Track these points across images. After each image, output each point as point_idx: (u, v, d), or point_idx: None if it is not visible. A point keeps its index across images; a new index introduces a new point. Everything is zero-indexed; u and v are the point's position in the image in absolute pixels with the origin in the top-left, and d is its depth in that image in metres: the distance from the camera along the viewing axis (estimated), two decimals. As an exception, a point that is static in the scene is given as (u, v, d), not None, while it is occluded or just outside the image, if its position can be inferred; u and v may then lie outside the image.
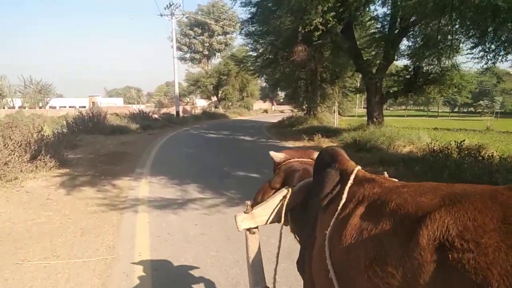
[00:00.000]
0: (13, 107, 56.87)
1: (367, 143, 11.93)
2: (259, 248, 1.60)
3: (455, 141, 7.92)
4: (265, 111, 63.87)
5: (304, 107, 27.75)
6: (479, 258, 0.65)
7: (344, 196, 1.13)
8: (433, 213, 0.79)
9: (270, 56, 15.41)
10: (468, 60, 13.91)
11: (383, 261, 0.85)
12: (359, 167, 1.23)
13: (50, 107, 65.48)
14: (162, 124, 23.31)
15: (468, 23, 7.71)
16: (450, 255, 0.70)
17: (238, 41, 43.83)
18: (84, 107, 51.18)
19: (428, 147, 9.28)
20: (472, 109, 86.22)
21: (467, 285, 0.65)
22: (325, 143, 13.60)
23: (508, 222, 0.67)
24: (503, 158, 6.75)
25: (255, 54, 23.70)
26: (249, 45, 23.48)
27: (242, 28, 18.32)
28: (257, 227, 1.61)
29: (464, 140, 7.96)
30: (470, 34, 9.72)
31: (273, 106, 77.72)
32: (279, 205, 1.58)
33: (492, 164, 6.49)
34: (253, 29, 20.03)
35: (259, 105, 68.87)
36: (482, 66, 10.40)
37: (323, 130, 18.93)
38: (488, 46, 9.59)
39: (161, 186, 6.55)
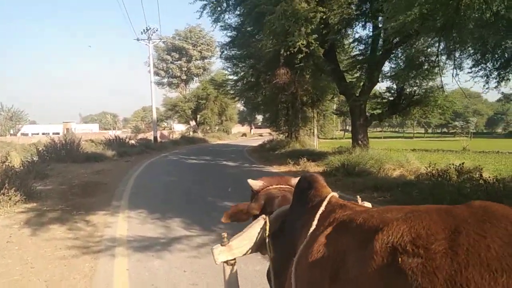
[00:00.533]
0: (-18, 135, 54.61)
1: (355, 166, 11.56)
2: (237, 281, 1.58)
3: (452, 164, 7.60)
4: (244, 134, 63.73)
5: (284, 130, 27.53)
6: (426, 262, 0.68)
7: (314, 222, 1.16)
8: (391, 222, 0.83)
9: (251, 79, 15.11)
10: (468, 80, 13.88)
11: (345, 271, 0.88)
12: (332, 194, 1.29)
13: (22, 134, 63.33)
14: (140, 150, 22.46)
15: (469, 40, 7.51)
16: (401, 259, 0.73)
17: (216, 66, 43.92)
18: (58, 133, 49.65)
19: (427, 170, 8.96)
20: (445, 129, 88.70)
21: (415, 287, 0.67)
22: (312, 167, 13.19)
23: (458, 232, 0.71)
24: (507, 181, 6.42)
25: (235, 77, 23.54)
26: (229, 69, 23.27)
27: (222, 52, 18.03)
28: (234, 259, 1.57)
29: (463, 163, 7.65)
30: (471, 51, 9.60)
31: (251, 130, 77.72)
32: (256, 235, 1.55)
33: (495, 187, 6.15)
34: (233, 53, 19.85)
35: (237, 128, 68.67)
36: (484, 86, 10.24)
37: (307, 154, 18.57)
38: (492, 64, 9.50)
39: (141, 222, 5.86)
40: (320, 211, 1.19)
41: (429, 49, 11.68)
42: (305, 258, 1.08)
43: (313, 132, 24.21)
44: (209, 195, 8.05)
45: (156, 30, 28.98)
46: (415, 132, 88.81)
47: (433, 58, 12.41)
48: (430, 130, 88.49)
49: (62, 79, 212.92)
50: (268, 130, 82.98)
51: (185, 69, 41.03)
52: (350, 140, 15.30)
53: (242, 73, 15.49)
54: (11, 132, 69.39)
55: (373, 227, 0.88)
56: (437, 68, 12.63)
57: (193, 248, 4.50)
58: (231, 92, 24.70)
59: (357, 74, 15.09)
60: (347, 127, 61.25)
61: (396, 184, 8.75)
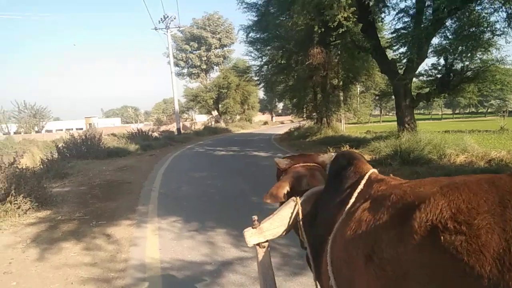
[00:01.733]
0: (8, 133, 55.21)
1: (409, 153, 10.08)
2: (270, 263, 1.56)
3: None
4: (265, 123, 62.44)
5: (314, 116, 26.00)
6: (471, 239, 0.64)
7: (352, 199, 1.14)
8: (428, 198, 0.79)
9: (282, 62, 13.62)
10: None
11: (380, 249, 0.85)
12: (373, 170, 1.26)
13: (47, 131, 63.89)
14: (163, 143, 21.44)
15: None
16: (442, 237, 0.68)
17: (236, 54, 42.57)
18: (81, 129, 49.61)
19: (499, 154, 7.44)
20: (473, 109, 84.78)
21: (460, 267, 0.64)
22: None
23: (503, 205, 0.65)
24: None
25: (259, 63, 22.16)
26: (252, 54, 21.91)
27: (248, 33, 16.59)
28: (267, 241, 1.55)
29: None
30: None
31: (272, 118, 76.31)
32: (288, 217, 1.52)
33: None
34: (258, 36, 18.46)
35: (258, 117, 67.38)
36: None
37: (344, 140, 17.11)
38: None
39: (176, 236, 4.60)
40: (359, 189, 1.16)
41: (489, 18, 9.98)
42: (340, 236, 1.05)
43: (341, 117, 22.61)
44: (252, 193, 6.74)
45: (174, 18, 27.76)
46: (442, 113, 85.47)
47: (492, 27, 10.70)
48: (457, 111, 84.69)
49: (82, 75, 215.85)
50: (289, 118, 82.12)
51: (205, 58, 39.79)
52: (379, 124, 13.73)
53: (269, 56, 13.95)
54: (36, 129, 70.34)
55: (409, 204, 0.84)
56: (500, 37, 10.91)
57: (253, 280, 3.20)
58: (255, 78, 23.35)
59: (402, 49, 13.41)
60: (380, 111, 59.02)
61: (473, 173, 7.23)
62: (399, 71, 12.94)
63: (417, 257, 0.73)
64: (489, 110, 77.49)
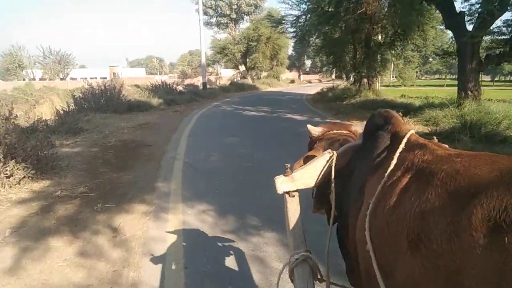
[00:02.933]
0: (33, 79, 55.00)
1: (480, 127, 8.39)
2: (299, 212, 1.47)
3: None
4: (292, 81, 60.13)
5: (353, 76, 23.89)
6: None
7: (393, 162, 1.04)
8: (490, 190, 0.70)
9: (329, 9, 11.60)
10: None
11: (428, 239, 0.77)
12: (412, 131, 1.17)
13: (71, 78, 63.27)
14: (188, 98, 20.03)
15: None
16: (506, 238, 0.62)
17: (269, 3, 39.55)
18: (106, 78, 48.75)
19: None
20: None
21: None
22: (412, 125, 10.03)
23: None
24: None
25: (296, 12, 19.96)
26: (289, 1, 19.71)
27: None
28: (297, 190, 1.50)
29: None
30: None
31: (300, 76, 73.69)
32: (321, 168, 1.46)
33: None
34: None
35: (285, 75, 64.94)
36: None
37: (389, 106, 15.31)
38: None
39: (208, 239, 3.27)
40: (399, 150, 1.06)
41: None
42: (381, 209, 0.96)
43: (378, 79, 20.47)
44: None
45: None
46: (481, 79, 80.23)
47: None
48: (496, 78, 79.22)
49: (108, 22, 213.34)
50: (316, 77, 79.12)
51: (235, 6, 37.21)
52: (414, 88, 11.75)
53: (314, 3, 11.88)
54: (61, 76, 69.99)
55: (464, 190, 0.75)
56: None
57: None
58: (291, 30, 21.21)
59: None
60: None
61: None
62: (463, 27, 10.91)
63: (475, 257, 0.66)
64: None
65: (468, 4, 11.03)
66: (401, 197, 0.91)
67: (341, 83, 30.50)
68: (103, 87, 13.67)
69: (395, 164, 1.03)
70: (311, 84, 58.81)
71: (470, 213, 0.70)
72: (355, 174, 1.31)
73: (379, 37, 18.62)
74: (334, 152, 1.45)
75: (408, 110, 13.53)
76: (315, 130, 1.79)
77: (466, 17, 11.07)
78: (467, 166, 0.83)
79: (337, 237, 1.47)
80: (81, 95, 13.33)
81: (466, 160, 0.87)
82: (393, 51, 18.26)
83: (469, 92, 10.89)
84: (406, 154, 1.04)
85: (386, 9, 11.04)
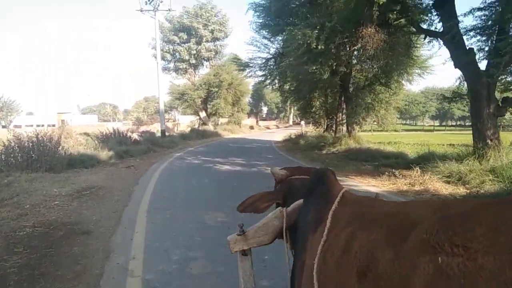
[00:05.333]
0: (-31, 127, 49.47)
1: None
2: (252, 270, 1.55)
3: None
4: (251, 127, 58.71)
5: (323, 123, 22.34)
6: (467, 262, 0.65)
7: (329, 220, 1.13)
8: (425, 221, 0.79)
9: (319, 46, 9.70)
10: None
11: (375, 267, 0.84)
12: (345, 189, 1.25)
13: (15, 126, 57.95)
14: (145, 148, 17.25)
15: None
16: (440, 258, 0.70)
17: (230, 49, 38.30)
18: (54, 125, 44.57)
19: None
20: (461, 122, 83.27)
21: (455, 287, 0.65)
22: (435, 183, 7.98)
23: (497, 230, 0.67)
24: None
25: (265, 55, 18.41)
26: (258, 43, 18.17)
27: (260, 12, 12.71)
28: (249, 249, 1.56)
29: None
30: None
31: (257, 122, 73.03)
32: (272, 226, 1.52)
33: None
34: (267, 21, 14.73)
35: (244, 121, 63.71)
36: None
37: (380, 156, 13.49)
38: None
39: None
40: (333, 208, 1.16)
41: None
42: (329, 257, 1.03)
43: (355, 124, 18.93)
44: None
45: (161, 1, 23.50)
46: (426, 125, 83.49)
47: None
48: (443, 123, 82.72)
49: (58, 67, 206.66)
50: (274, 123, 78.76)
51: (194, 52, 35.46)
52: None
53: (299, 40, 9.95)
54: (3, 123, 64.21)
55: (403, 224, 0.84)
56: None
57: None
58: (260, 73, 19.52)
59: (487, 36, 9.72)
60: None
61: None
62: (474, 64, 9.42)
63: (413, 276, 0.72)
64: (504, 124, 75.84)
65: (476, 39, 9.59)
66: (349, 243, 0.96)
67: (310, 130, 29.08)
68: (34, 138, 10.68)
69: (332, 221, 1.11)
70: (271, 130, 57.65)
71: (410, 240, 0.77)
72: (298, 231, 1.38)
73: (361, 79, 17.27)
74: (284, 210, 1.51)
75: (407, 161, 11.71)
76: (279, 173, 1.82)
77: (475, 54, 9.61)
78: (403, 208, 0.95)
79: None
80: (3, 149, 10.24)
81: (402, 205, 1.02)
82: (373, 96, 16.84)
83: (489, 141, 9.19)
84: (343, 210, 1.13)
85: (381, 44, 9.37)
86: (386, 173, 9.32)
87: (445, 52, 10.35)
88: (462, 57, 9.41)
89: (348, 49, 10.18)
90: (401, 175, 8.93)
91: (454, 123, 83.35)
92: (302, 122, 57.43)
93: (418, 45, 11.38)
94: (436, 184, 8.02)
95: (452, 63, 9.75)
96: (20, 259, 3.91)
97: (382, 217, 0.94)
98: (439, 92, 71.83)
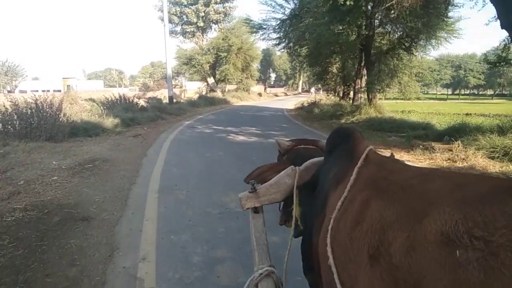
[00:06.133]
0: (-27, 91, 48.82)
1: None
2: (264, 228, 1.51)
3: None
4: (259, 94, 57.45)
5: (340, 90, 21.19)
6: (488, 257, 0.61)
7: (353, 177, 1.08)
8: (442, 206, 0.74)
9: (346, 2, 8.50)
10: None
11: (387, 252, 0.80)
12: (371, 147, 1.20)
13: (20, 91, 57.13)
14: (152, 115, 16.37)
15: None
16: (458, 252, 0.65)
17: (239, 12, 36.53)
18: (59, 91, 43.67)
19: None
20: (475, 91, 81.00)
21: (476, 284, 0.61)
22: (489, 164, 7.04)
23: None
24: None
25: (280, 16, 17.09)
26: (272, 2, 16.82)
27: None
28: (261, 206, 1.56)
29: None
30: None
31: (265, 89, 71.73)
32: (284, 184, 1.51)
33: None
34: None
35: (253, 88, 62.29)
36: None
37: (405, 126, 12.53)
38: None
39: None
40: (358, 165, 1.10)
41: None
42: (342, 224, 0.99)
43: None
44: None
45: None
46: (438, 93, 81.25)
47: None
48: (457, 92, 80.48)
49: (64, 31, 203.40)
50: (282, 90, 77.26)
51: (203, 14, 33.79)
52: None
53: None
54: (8, 88, 63.29)
55: (420, 205, 0.79)
56: None
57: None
58: (275, 36, 18.23)
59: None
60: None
61: None
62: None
63: (430, 269, 0.69)
64: (497, 92, 73.81)
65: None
66: (362, 213, 0.93)
67: (323, 98, 27.90)
68: (34, 105, 9.82)
69: (355, 179, 1.07)
70: (280, 98, 56.31)
71: (425, 228, 0.72)
72: (318, 189, 1.34)
73: (380, 43, 15.98)
74: (297, 168, 1.50)
75: (437, 133, 10.75)
76: (284, 144, 1.80)
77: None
78: (422, 181, 0.87)
79: (301, 250, 1.41)
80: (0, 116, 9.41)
81: (422, 177, 0.91)
82: (396, 61, 15.58)
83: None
84: (365, 170, 1.08)
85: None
86: (420, 146, 8.40)
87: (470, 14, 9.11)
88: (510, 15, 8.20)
89: (381, 5, 8.94)
90: (439, 149, 8.00)
91: (467, 92, 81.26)
92: (312, 90, 56.06)
93: (457, 3, 10.10)
94: (480, 161, 7.09)
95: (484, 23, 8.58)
96: (2, 256, 3.12)
97: (399, 190, 0.89)
98: (454, 59, 69.78)
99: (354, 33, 11.81)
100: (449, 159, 7.31)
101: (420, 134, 10.91)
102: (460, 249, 0.65)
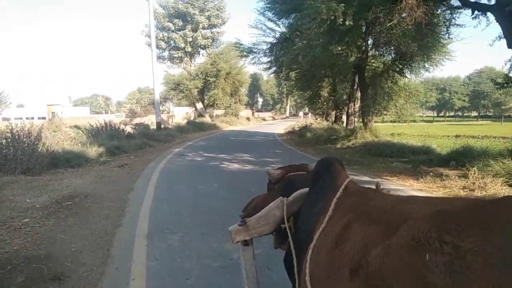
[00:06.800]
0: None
1: None
2: (253, 261, 1.54)
3: None
4: (248, 118, 57.18)
5: (331, 114, 20.86)
6: (456, 260, 0.64)
7: (331, 208, 1.14)
8: (417, 216, 0.78)
9: (345, 23, 8.10)
10: None
11: (366, 263, 0.83)
12: (350, 178, 1.25)
13: (4, 118, 55.70)
14: (139, 143, 15.61)
15: None
16: (427, 255, 0.69)
17: (227, 37, 36.49)
18: (44, 118, 42.54)
19: None
20: (459, 113, 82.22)
21: (442, 286, 0.64)
22: (501, 188, 6.50)
23: (490, 231, 0.65)
24: None
25: (271, 40, 16.83)
26: (262, 26, 16.56)
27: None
28: (251, 239, 1.56)
29: None
30: None
31: (253, 114, 71.75)
32: (273, 216, 1.52)
33: None
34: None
35: (241, 112, 62.02)
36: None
37: (406, 151, 12.04)
38: None
39: None
40: (337, 196, 1.17)
41: None
42: (323, 248, 1.05)
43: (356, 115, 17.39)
44: None
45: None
46: (424, 116, 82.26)
47: None
48: (441, 114, 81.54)
49: (50, 58, 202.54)
50: (269, 114, 77.36)
51: (190, 39, 33.58)
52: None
53: (320, 14, 8.29)
54: (-9, 116, 61.82)
55: (397, 220, 0.83)
56: None
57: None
58: (266, 59, 17.88)
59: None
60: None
61: None
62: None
63: (400, 272, 0.72)
64: (481, 114, 74.95)
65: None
66: (343, 235, 0.97)
67: (314, 122, 27.55)
68: (9, 134, 9.03)
69: (333, 210, 1.13)
70: (269, 122, 56.10)
71: (399, 235, 0.76)
72: (302, 220, 1.36)
73: (373, 66, 15.72)
74: (284, 199, 1.51)
75: (440, 158, 10.27)
76: (274, 174, 1.79)
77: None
78: (402, 202, 0.93)
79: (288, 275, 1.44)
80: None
81: (402, 199, 0.98)
82: (390, 83, 15.27)
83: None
84: (346, 200, 1.14)
85: (424, 18, 7.78)
86: (430, 173, 7.84)
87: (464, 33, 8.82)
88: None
89: (381, 25, 8.56)
90: (450, 176, 7.45)
91: (452, 114, 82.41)
92: (301, 114, 56.02)
93: (459, 23, 9.81)
94: (498, 188, 6.54)
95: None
96: None
97: (379, 212, 0.93)
98: (439, 82, 70.99)
99: (353, 54, 11.44)
100: (465, 187, 6.74)
101: (423, 159, 10.41)
102: (430, 253, 0.67)
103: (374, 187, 1.27)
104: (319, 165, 1.42)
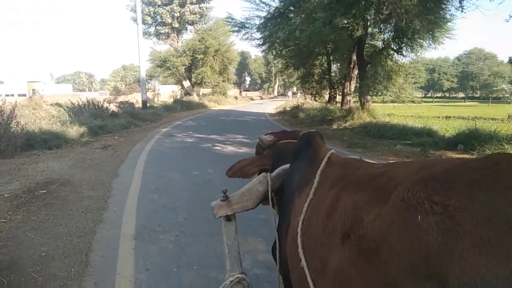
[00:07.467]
0: None
1: None
2: (236, 235, 1.52)
3: None
4: (235, 98, 56.11)
5: (325, 94, 20.17)
6: (446, 219, 0.65)
7: (316, 180, 1.13)
8: (406, 179, 0.79)
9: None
10: None
11: (357, 226, 0.84)
12: (332, 151, 1.25)
13: (-19, 95, 53.46)
14: (124, 122, 14.71)
15: None
16: (420, 216, 0.69)
17: (216, 12, 35.05)
18: (24, 95, 40.74)
19: None
20: (446, 94, 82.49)
21: (435, 244, 0.64)
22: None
23: (477, 187, 0.65)
24: None
25: (264, 14, 15.91)
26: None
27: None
28: (234, 214, 1.54)
29: None
30: None
31: (241, 93, 70.78)
32: (256, 192, 1.51)
33: None
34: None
35: (230, 91, 60.82)
36: None
37: (406, 132, 11.48)
38: None
39: None
40: (320, 168, 1.16)
41: None
42: (314, 219, 1.04)
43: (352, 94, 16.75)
44: None
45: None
46: (413, 96, 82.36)
47: None
48: (429, 95, 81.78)
49: (31, 33, 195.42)
50: (257, 93, 76.35)
51: (178, 15, 32.11)
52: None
53: None
54: (-33, 92, 59.34)
55: (387, 185, 0.84)
56: None
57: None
58: (259, 35, 16.94)
59: None
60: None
61: None
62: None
63: (390, 232, 0.73)
64: (468, 95, 75.26)
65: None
66: (334, 205, 0.96)
67: (305, 101, 26.86)
68: (-23, 112, 8.08)
69: (318, 182, 1.12)
70: (257, 101, 55.13)
71: (390, 199, 0.76)
72: (285, 195, 1.36)
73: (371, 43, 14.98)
74: (268, 174, 1.50)
75: (445, 140, 9.73)
76: (266, 140, 1.75)
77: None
78: (388, 170, 0.92)
79: (272, 253, 1.44)
80: None
81: (390, 165, 0.99)
82: (390, 62, 14.59)
83: None
84: (330, 172, 1.13)
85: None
86: (443, 157, 7.25)
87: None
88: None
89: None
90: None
91: (439, 95, 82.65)
92: (289, 93, 55.14)
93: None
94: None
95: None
96: None
97: (367, 179, 0.94)
98: (428, 63, 70.71)
99: (360, 28, 10.64)
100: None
101: (427, 142, 9.86)
102: (421, 214, 0.67)
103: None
104: (300, 140, 1.43)
